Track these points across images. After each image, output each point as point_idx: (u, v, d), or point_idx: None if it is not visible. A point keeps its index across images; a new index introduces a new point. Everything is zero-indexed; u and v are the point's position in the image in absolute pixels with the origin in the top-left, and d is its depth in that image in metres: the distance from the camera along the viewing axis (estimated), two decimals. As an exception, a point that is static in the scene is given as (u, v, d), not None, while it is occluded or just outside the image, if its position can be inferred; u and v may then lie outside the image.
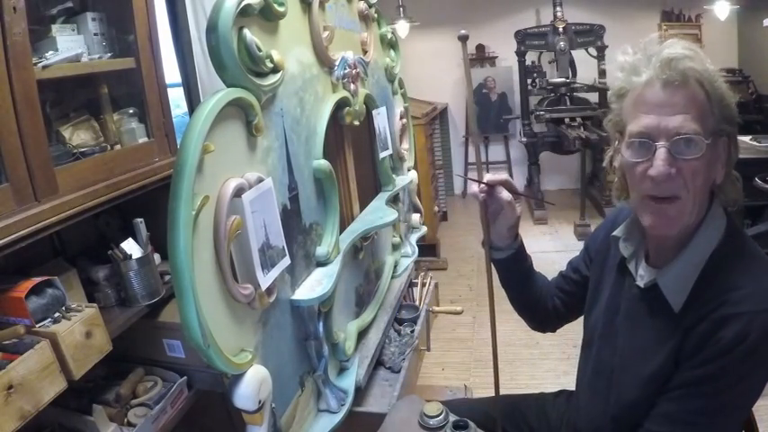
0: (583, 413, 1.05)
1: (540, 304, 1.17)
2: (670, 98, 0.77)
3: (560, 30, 4.53)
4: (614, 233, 0.98)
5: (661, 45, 0.80)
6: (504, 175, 1.05)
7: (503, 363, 2.60)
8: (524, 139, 4.89)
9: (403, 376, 1.54)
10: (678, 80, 0.77)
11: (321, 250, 1.24)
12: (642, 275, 0.90)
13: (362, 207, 1.64)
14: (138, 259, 1.19)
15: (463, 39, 1.08)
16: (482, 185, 1.04)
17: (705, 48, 4.80)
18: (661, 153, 0.78)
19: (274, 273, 1.00)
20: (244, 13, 0.92)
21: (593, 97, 4.68)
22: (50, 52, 1.09)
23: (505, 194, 1.02)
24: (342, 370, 1.37)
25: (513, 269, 1.13)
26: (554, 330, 1.23)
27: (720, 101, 0.78)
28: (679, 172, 0.78)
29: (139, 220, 1.22)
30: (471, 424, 1.07)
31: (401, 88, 2.04)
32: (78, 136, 1.19)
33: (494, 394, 1.29)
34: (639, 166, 0.81)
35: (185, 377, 1.29)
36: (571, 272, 1.16)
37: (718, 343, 0.76)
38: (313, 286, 1.17)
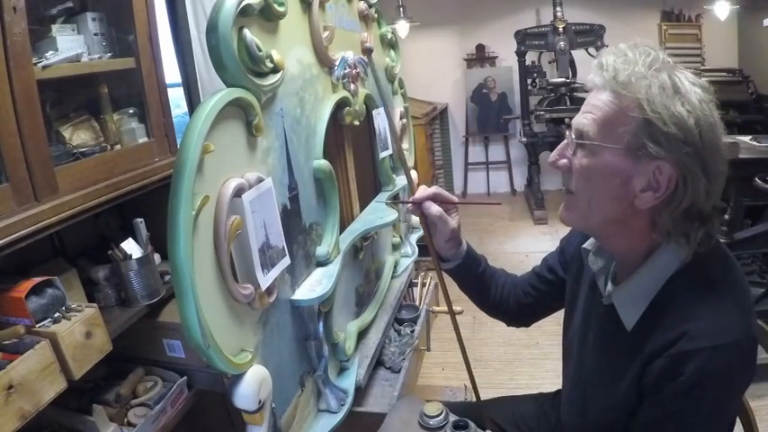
0: (563, 420, 1.05)
1: (504, 304, 1.16)
2: (592, 100, 0.79)
3: (560, 30, 4.52)
4: (585, 245, 0.95)
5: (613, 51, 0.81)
6: (430, 190, 1.03)
7: (502, 363, 2.63)
8: (524, 139, 4.88)
9: (403, 376, 1.54)
10: (599, 86, 0.79)
11: (321, 250, 1.24)
12: (610, 291, 0.87)
13: (362, 207, 1.64)
14: (138, 259, 1.19)
15: (368, 51, 1.11)
16: (409, 205, 1.04)
17: (705, 48, 4.82)
18: (563, 143, 0.83)
19: (274, 273, 1.00)
20: (244, 13, 0.91)
21: (593, 97, 4.67)
22: (50, 52, 1.09)
23: (434, 210, 1.01)
24: (342, 370, 1.37)
25: (464, 277, 1.13)
26: (527, 325, 1.23)
27: (648, 116, 0.71)
28: (570, 168, 0.82)
29: (139, 220, 1.22)
30: (471, 424, 1.06)
31: (401, 88, 2.04)
32: (78, 136, 1.19)
33: (494, 395, 1.30)
34: None
35: (185, 377, 1.29)
36: (546, 271, 1.14)
37: (679, 379, 0.72)
38: (313, 286, 1.17)
